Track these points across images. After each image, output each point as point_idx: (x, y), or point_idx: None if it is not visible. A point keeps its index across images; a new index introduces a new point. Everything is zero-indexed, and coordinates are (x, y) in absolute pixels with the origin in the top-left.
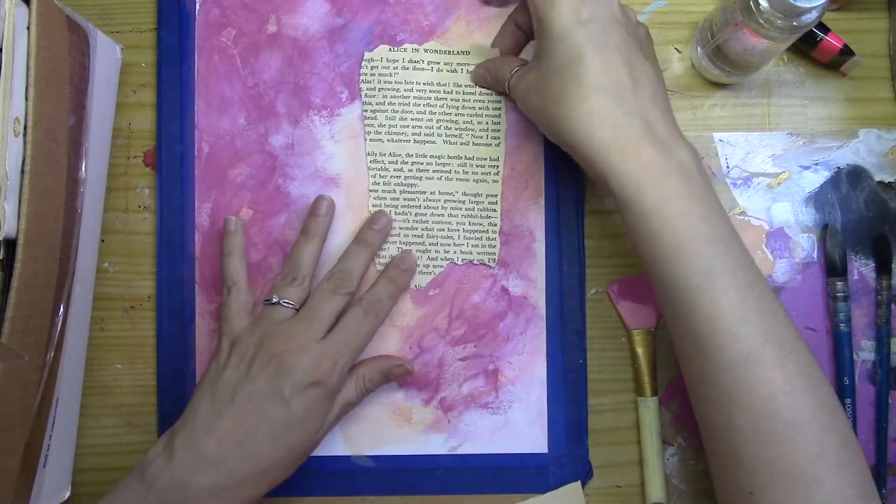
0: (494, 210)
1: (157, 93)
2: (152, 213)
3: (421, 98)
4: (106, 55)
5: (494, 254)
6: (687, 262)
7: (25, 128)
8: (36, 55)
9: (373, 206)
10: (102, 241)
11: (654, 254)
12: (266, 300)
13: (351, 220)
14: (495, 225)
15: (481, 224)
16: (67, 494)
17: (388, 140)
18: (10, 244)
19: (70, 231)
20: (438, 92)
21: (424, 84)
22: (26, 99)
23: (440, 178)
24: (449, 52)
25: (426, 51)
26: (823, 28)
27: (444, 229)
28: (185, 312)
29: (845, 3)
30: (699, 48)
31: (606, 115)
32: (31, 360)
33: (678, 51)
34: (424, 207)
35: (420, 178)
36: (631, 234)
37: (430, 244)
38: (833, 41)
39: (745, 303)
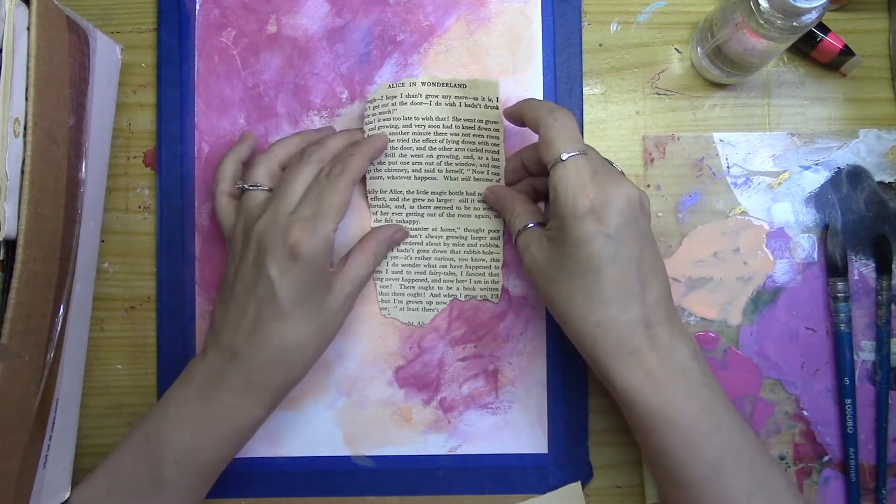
0: (497, 245)
1: (157, 93)
2: (152, 213)
3: (420, 133)
4: (106, 55)
5: (497, 290)
6: (693, 455)
7: (25, 128)
8: (36, 55)
9: None
10: (102, 241)
11: (660, 448)
12: (238, 187)
13: (351, 220)
14: (498, 260)
15: (484, 260)
16: (67, 494)
17: (389, 177)
18: (10, 244)
19: (70, 231)
20: (438, 127)
21: (423, 119)
22: (26, 99)
23: (442, 215)
24: (446, 84)
25: (423, 84)
26: (823, 28)
27: (446, 266)
28: (185, 313)
29: (845, 3)
30: (699, 48)
31: (613, 326)
32: (31, 360)
33: (678, 51)
34: (427, 244)
35: (422, 215)
36: (635, 430)
37: (432, 281)
38: (833, 41)
39: (753, 479)
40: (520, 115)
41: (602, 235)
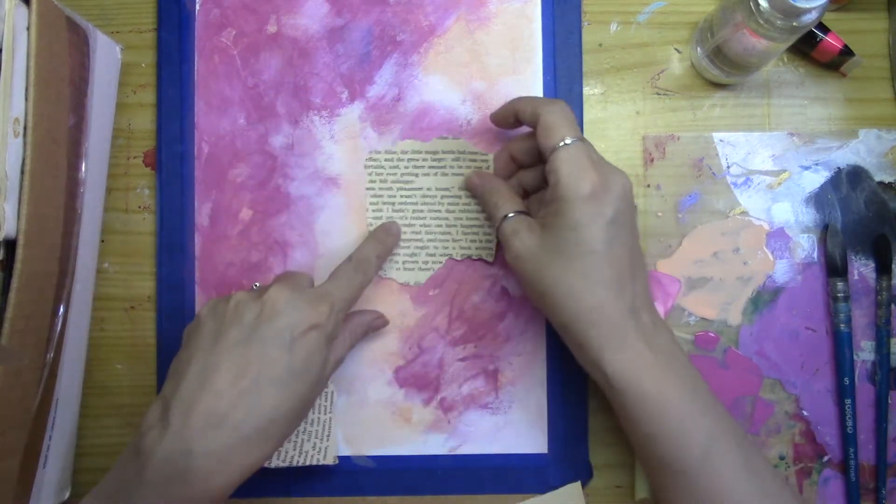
0: None
1: (157, 93)
2: (152, 213)
3: None
4: (106, 55)
5: (492, 249)
6: (686, 438)
7: (25, 128)
8: (36, 55)
9: (370, 203)
10: (102, 241)
11: (652, 434)
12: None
13: (351, 220)
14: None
15: (478, 219)
16: (67, 494)
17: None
18: (10, 244)
19: (70, 231)
20: None
21: None
22: (26, 99)
23: (436, 174)
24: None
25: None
26: (823, 28)
27: (441, 225)
28: (185, 313)
29: (845, 3)
30: (699, 48)
31: (607, 311)
32: (31, 360)
33: (678, 51)
34: (421, 204)
35: (416, 175)
36: (625, 418)
37: (428, 240)
38: (833, 41)
39: (742, 462)
40: (512, 112)
41: (602, 219)
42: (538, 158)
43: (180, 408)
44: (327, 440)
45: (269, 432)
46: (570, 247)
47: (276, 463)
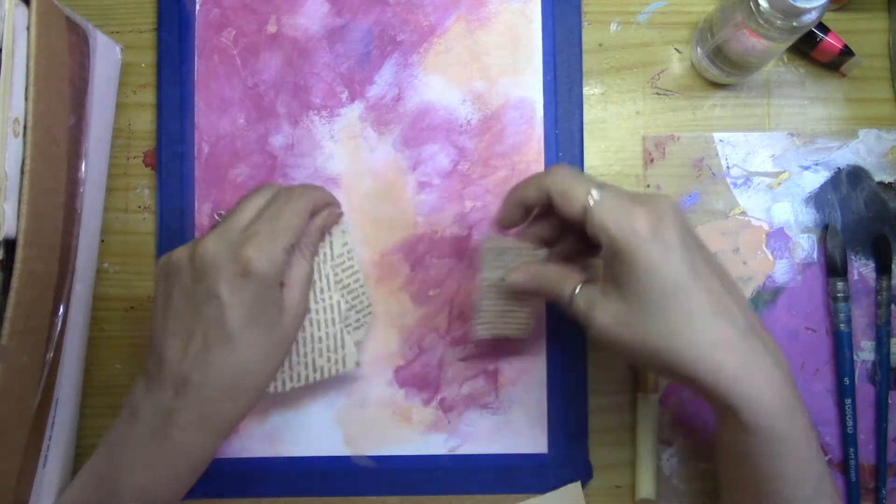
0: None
1: (157, 93)
2: (152, 213)
3: None
4: (106, 55)
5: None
6: (801, 482)
7: (25, 128)
8: (36, 55)
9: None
10: (102, 241)
11: (771, 476)
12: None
13: (351, 220)
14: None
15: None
16: None
17: None
18: (10, 244)
19: (70, 231)
20: None
21: None
22: (26, 99)
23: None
24: None
25: None
26: (823, 28)
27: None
28: None
29: (845, 3)
30: (699, 48)
31: (727, 341)
32: (31, 360)
33: (678, 51)
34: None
35: None
36: (739, 451)
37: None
38: (833, 41)
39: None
40: (517, 203)
41: (673, 249)
42: (560, 231)
43: (155, 370)
44: (343, 349)
45: (238, 386)
46: (654, 296)
47: (290, 385)
